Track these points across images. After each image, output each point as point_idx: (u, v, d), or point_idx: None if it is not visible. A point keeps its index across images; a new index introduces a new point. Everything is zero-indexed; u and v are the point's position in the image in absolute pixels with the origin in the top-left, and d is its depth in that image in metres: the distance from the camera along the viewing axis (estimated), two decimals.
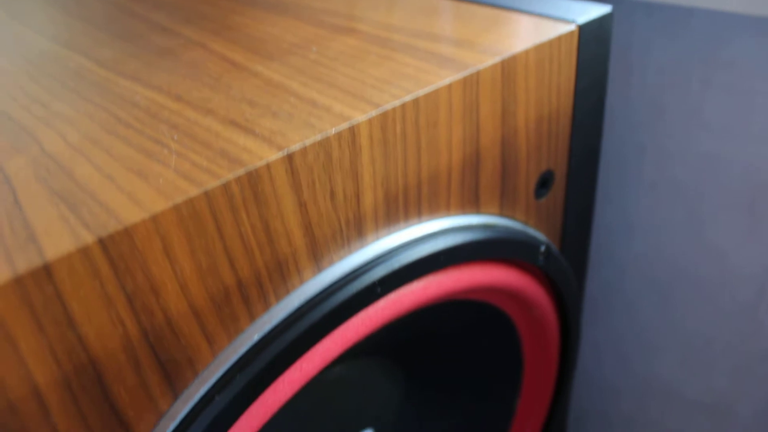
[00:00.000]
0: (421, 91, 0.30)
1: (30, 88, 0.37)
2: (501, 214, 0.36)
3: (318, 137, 0.28)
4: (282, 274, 0.29)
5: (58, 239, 0.24)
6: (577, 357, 0.45)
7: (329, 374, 0.39)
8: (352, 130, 0.28)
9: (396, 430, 0.44)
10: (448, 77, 0.31)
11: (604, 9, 0.37)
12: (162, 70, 0.36)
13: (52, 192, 0.27)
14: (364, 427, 0.42)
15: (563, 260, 0.39)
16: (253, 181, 0.26)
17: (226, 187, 0.26)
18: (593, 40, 0.36)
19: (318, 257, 0.30)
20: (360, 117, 0.28)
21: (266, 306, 0.29)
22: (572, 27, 0.35)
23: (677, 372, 0.57)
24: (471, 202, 0.35)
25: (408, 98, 0.30)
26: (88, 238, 0.24)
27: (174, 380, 0.28)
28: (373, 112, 0.29)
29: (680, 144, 0.48)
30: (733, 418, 0.55)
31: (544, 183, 0.37)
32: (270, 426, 0.38)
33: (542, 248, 0.37)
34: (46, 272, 0.23)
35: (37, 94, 0.36)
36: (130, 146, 0.29)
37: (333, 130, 0.28)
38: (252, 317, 0.29)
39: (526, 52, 0.33)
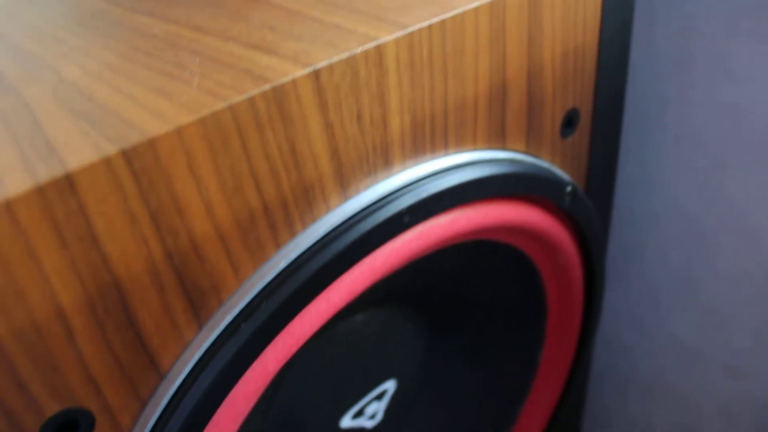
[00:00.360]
0: (448, 14, 0.29)
1: (45, 28, 0.36)
2: (527, 152, 0.35)
3: (344, 55, 0.27)
4: (308, 200, 0.28)
5: (80, 152, 0.23)
6: (601, 307, 0.43)
7: (352, 323, 0.38)
8: (379, 50, 0.27)
9: (419, 382, 0.43)
10: (474, 2, 0.30)
11: None
12: (179, 6, 0.35)
13: (73, 112, 0.26)
14: (387, 378, 0.41)
15: (589, 203, 0.38)
16: (278, 97, 0.25)
17: (251, 102, 0.25)
18: None
19: (344, 184, 0.29)
20: (386, 37, 0.27)
21: (292, 233, 0.28)
22: None
23: (697, 333, 0.56)
24: (497, 137, 0.33)
25: (435, 20, 0.29)
26: (111, 149, 0.23)
27: (199, 308, 0.27)
28: (400, 33, 0.28)
29: (704, 95, 0.46)
30: (755, 378, 0.54)
31: (570, 122, 0.36)
32: (293, 371, 0.37)
33: (568, 188, 0.36)
34: (68, 183, 0.22)
35: (53, 32, 0.35)
36: (150, 71, 0.28)
37: (359, 49, 0.27)
38: (278, 244, 0.28)
39: None
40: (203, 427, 0.28)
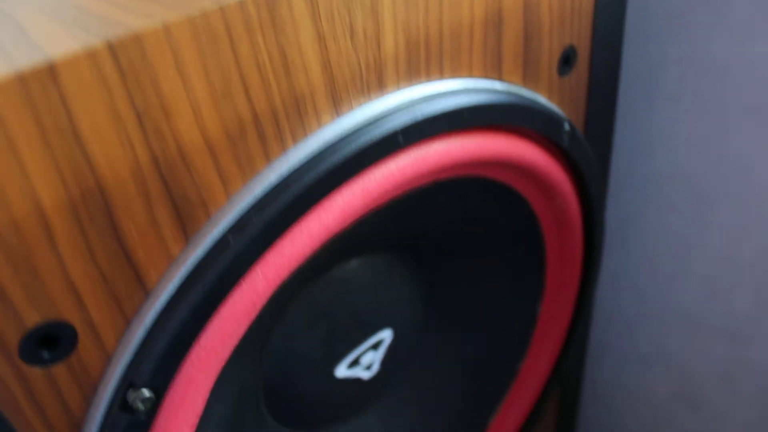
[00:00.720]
0: None
1: None
2: (524, 86, 0.34)
3: None
4: (299, 114, 0.27)
5: (65, 45, 0.22)
6: (601, 259, 0.42)
7: (347, 269, 0.37)
8: None
9: (416, 337, 0.42)
10: None
11: None
12: None
13: (60, 20, 0.25)
14: (384, 327, 0.40)
15: (587, 145, 0.37)
16: (270, 3, 0.25)
17: (242, 5, 0.24)
18: None
19: (337, 100, 0.28)
20: None
21: (283, 147, 0.27)
22: None
23: (698, 298, 0.54)
24: (494, 68, 0.33)
25: None
26: (96, 42, 0.22)
27: (186, 222, 0.26)
28: None
29: (704, 49, 0.45)
30: (757, 343, 0.53)
31: (567, 60, 0.35)
32: (288, 316, 0.36)
33: (566, 126, 0.35)
34: (50, 73, 0.21)
35: None
36: None
37: None
38: (268, 158, 0.27)
39: None
40: (189, 347, 0.27)
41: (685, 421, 0.60)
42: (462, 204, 0.36)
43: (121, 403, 0.26)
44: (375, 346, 0.40)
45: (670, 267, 0.55)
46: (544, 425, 0.58)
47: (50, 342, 0.25)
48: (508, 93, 0.32)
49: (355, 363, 0.39)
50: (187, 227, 0.26)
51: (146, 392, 0.26)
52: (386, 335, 0.40)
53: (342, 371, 0.39)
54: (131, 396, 0.26)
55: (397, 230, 0.36)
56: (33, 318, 0.24)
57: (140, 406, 0.26)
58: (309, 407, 0.39)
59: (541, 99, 0.35)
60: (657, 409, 0.61)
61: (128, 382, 0.26)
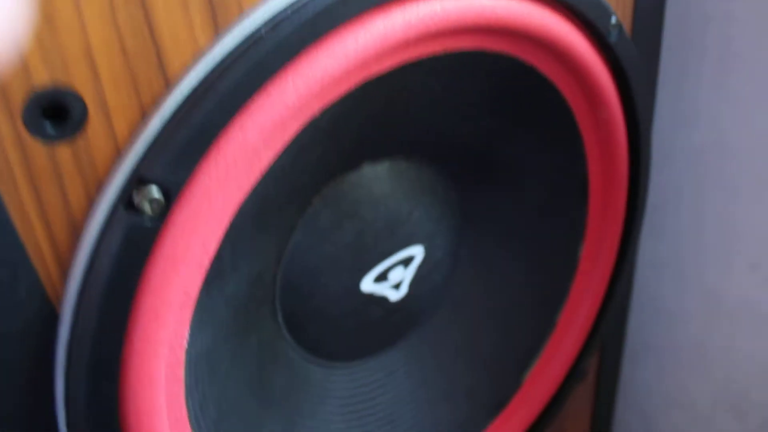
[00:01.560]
0: None
1: None
2: None
3: None
4: None
5: None
6: (647, 196, 0.37)
7: (379, 170, 0.33)
8: None
9: (447, 265, 0.37)
10: None
11: None
12: None
13: None
14: (415, 243, 0.35)
15: (635, 49, 0.33)
16: None
17: None
18: None
19: None
20: None
21: None
22: None
23: (745, 287, 0.48)
24: None
25: None
26: None
27: (217, 8, 0.23)
28: None
29: (750, 10, 0.42)
30: None
31: None
32: (314, 213, 0.32)
33: (613, 20, 0.32)
34: None
35: None
36: None
37: None
38: None
39: None
40: (207, 148, 0.23)
41: (728, 429, 0.52)
42: (500, 99, 0.33)
43: (126, 200, 0.22)
44: (405, 264, 0.35)
45: (713, 253, 0.49)
46: (580, 420, 0.51)
47: (57, 115, 0.21)
48: None
49: (383, 278, 0.34)
50: (217, 15, 0.23)
51: (155, 191, 0.22)
52: (417, 252, 0.35)
53: (368, 284, 0.34)
54: (138, 195, 0.22)
55: (431, 125, 0.33)
56: (42, 77, 0.21)
57: (147, 207, 0.22)
58: (328, 327, 0.34)
59: None
60: (696, 415, 0.53)
61: (136, 177, 0.22)
